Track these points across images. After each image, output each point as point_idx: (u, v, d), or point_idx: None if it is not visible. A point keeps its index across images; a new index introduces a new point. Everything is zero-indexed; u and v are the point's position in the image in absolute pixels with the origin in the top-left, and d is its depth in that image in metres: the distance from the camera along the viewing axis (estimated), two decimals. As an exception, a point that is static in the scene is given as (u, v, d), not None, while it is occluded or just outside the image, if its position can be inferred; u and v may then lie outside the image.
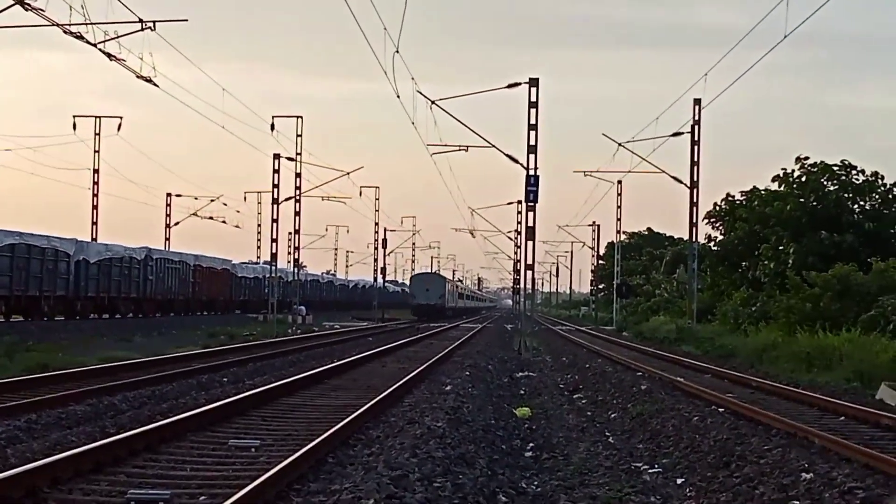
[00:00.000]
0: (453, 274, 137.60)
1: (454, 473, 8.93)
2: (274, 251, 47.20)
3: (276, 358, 24.87)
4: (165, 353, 24.28)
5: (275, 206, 46.85)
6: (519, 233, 67.90)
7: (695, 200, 38.11)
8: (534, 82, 32.08)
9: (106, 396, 14.64)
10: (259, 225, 75.08)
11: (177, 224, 65.10)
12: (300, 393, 16.04)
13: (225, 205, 68.19)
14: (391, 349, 29.62)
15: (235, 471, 9.08)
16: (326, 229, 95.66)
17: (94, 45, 24.67)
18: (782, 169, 41.17)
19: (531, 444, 12.56)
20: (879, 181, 39.81)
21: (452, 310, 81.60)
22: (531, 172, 31.46)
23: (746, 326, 35.02)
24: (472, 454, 10.33)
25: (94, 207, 49.97)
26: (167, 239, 63.96)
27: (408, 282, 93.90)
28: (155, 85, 26.93)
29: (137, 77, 26.26)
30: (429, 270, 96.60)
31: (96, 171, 49.90)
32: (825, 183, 39.93)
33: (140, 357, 22.67)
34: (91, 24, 24.09)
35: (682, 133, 38.04)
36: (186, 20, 28.72)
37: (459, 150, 38.13)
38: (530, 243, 32.28)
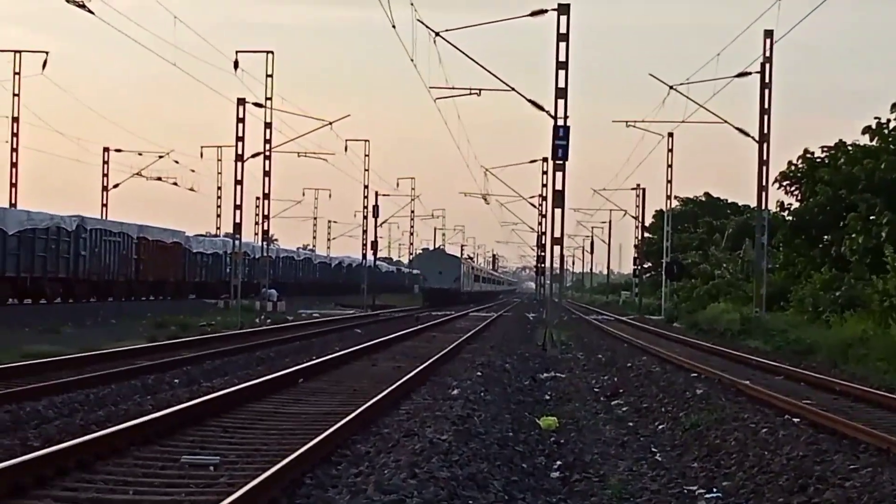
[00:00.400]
0: (462, 250, 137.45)
1: (462, 498, 8.95)
2: (238, 220, 47.26)
3: (241, 354, 24.91)
4: (102, 348, 24.32)
5: (239, 163, 46.87)
6: (544, 198, 67.92)
7: (765, 158, 38.05)
8: (564, 9, 31.96)
9: (28, 402, 14.66)
10: (219, 188, 75.21)
11: (116, 186, 65.21)
12: (270, 398, 16.05)
13: (176, 162, 68.01)
14: (384, 344, 29.67)
15: (190, 495, 9.10)
16: (304, 193, 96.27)
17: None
18: (875, 119, 41.13)
19: (558, 463, 12.58)
20: None
21: (468, 294, 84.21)
22: (560, 122, 31.38)
23: (828, 316, 35.02)
24: (485, 475, 10.35)
25: (13, 165, 50.04)
26: (104, 205, 64.10)
27: (406, 260, 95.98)
28: (89, 11, 26.90)
29: (67, 1, 26.23)
30: (438, 247, 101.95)
31: (15, 120, 49.94)
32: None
33: (71, 352, 22.69)
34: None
35: (750, 73, 37.94)
36: (127, -70, 28.66)
37: (470, 94, 38.14)
38: (558, 211, 32.26)
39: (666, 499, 10.60)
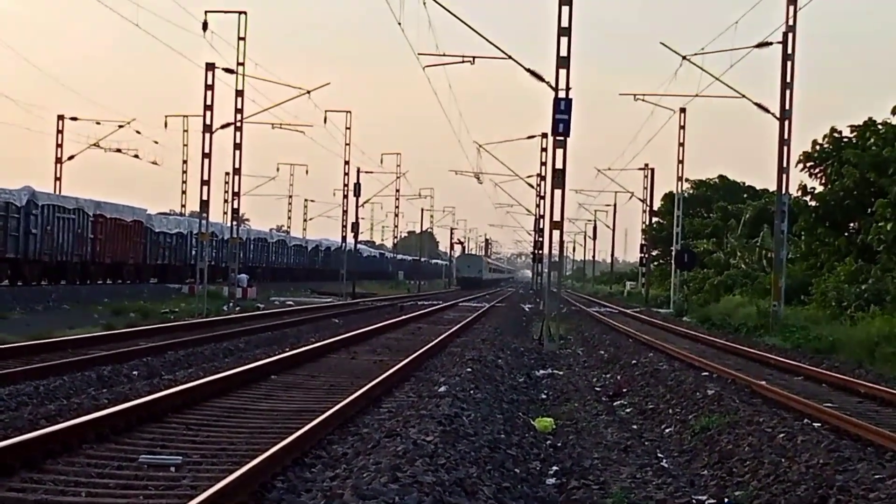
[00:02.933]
0: (451, 234, 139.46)
1: (449, 506, 8.95)
2: (205, 198, 47.10)
3: (206, 345, 24.92)
4: (54, 336, 24.30)
5: (207, 135, 46.73)
6: (542, 178, 67.90)
7: (786, 137, 38.05)
8: (567, -31, 31.88)
9: (-29, 393, 14.66)
10: (185, 161, 74.96)
11: (71, 158, 65.11)
12: (238, 393, 16.07)
13: (138, 133, 67.87)
14: (365, 335, 29.71)
15: (149, 498, 9.10)
16: (278, 169, 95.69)
17: None
18: (908, 95, 41.08)
19: (555, 468, 12.60)
20: None
21: (486, 281, 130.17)
22: (561, 94, 31.35)
23: (853, 311, 35.10)
24: (474, 480, 10.36)
25: (-43, 133, 49.82)
26: (58, 178, 63.98)
27: (390, 243, 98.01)
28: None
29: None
30: (471, 252, 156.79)
31: (-40, 84, 49.67)
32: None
33: (18, 340, 22.67)
34: None
35: (770, 44, 37.91)
36: None
37: (463, 62, 38.12)
38: (558, 192, 32.20)
39: (672, 509, 10.61)
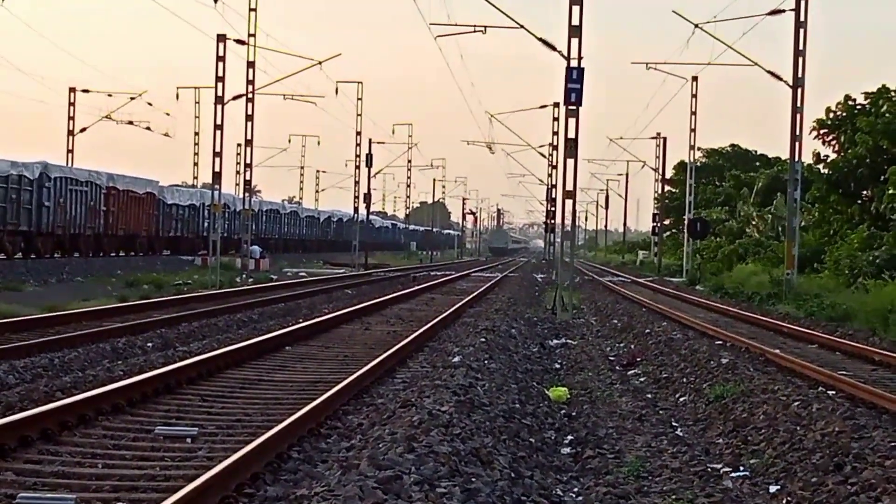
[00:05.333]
0: (464, 204, 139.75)
1: (465, 475, 8.96)
2: (217, 169, 47.09)
3: (220, 316, 24.95)
4: (68, 308, 24.35)
5: (219, 107, 46.68)
6: (555, 147, 67.86)
7: (799, 105, 37.89)
8: (579, -63, 31.71)
9: (-13, 366, 14.70)
10: (196, 133, 75.00)
11: (84, 130, 65.08)
12: (253, 364, 16.11)
13: (150, 105, 67.97)
14: (378, 306, 29.74)
15: (164, 469, 9.12)
16: (290, 140, 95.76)
17: None
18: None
19: (570, 438, 12.62)
20: None
21: (509, 250, 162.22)
22: (573, 64, 31.25)
23: (867, 279, 35.02)
24: (490, 449, 10.37)
25: (-31, 107, 49.79)
26: (70, 151, 63.95)
27: (402, 214, 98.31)
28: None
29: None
30: (501, 227, 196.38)
31: (-28, 57, 49.63)
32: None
33: (33, 313, 22.73)
34: None
35: (783, 11, 37.72)
36: None
37: (474, 31, 38.02)
38: (570, 162, 32.15)
39: (688, 477, 10.62)
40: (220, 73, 46.07)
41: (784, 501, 9.86)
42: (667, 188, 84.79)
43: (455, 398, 12.47)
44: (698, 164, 71.68)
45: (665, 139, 77.62)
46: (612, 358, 21.21)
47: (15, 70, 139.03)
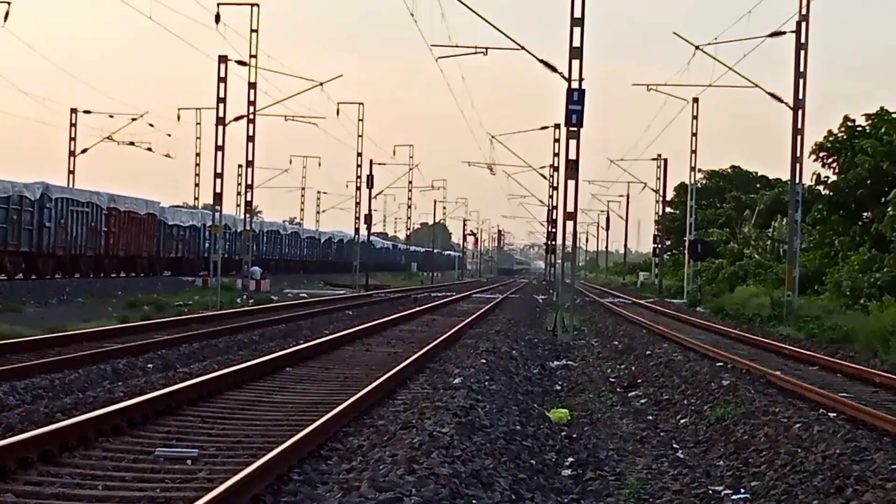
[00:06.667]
0: (464, 225, 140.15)
1: (465, 498, 8.95)
2: (218, 190, 47.16)
3: (221, 337, 24.94)
4: (68, 329, 24.33)
5: (220, 127, 46.78)
6: (556, 169, 67.88)
7: (799, 126, 37.95)
8: (579, -41, 31.81)
9: (-13, 387, 14.69)
10: (198, 154, 75.07)
11: (85, 151, 65.14)
12: (253, 385, 16.08)
13: (151, 125, 67.83)
14: (378, 327, 29.70)
15: (164, 491, 9.10)
16: (291, 161, 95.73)
17: None
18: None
19: (570, 459, 12.60)
20: None
21: (514, 270, 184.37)
22: (574, 85, 31.31)
23: (867, 301, 35.00)
24: (490, 471, 10.36)
25: (-29, 127, 49.87)
26: (71, 171, 64.03)
27: (403, 235, 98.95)
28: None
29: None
30: (506, 251, 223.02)
31: (-27, 78, 49.74)
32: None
33: (34, 334, 22.71)
34: None
35: (784, 33, 37.81)
36: None
37: (476, 53, 38.09)
38: (571, 183, 32.18)
39: (689, 500, 10.62)
40: (222, 94, 46.19)
41: (785, 524, 9.84)
42: (667, 210, 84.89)
43: (456, 420, 12.46)
44: (699, 185, 71.74)
45: (666, 160, 77.87)
46: (612, 379, 21.20)
47: (16, 91, 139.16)
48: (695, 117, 60.90)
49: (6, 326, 24.25)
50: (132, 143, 66.71)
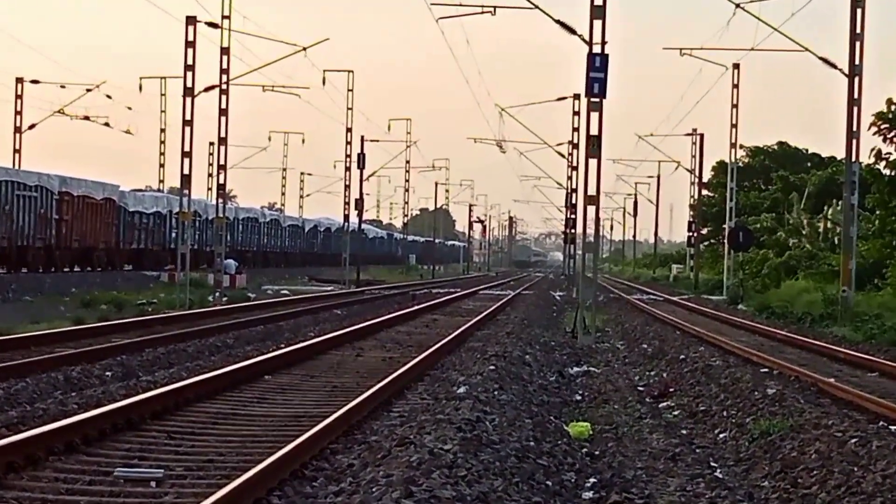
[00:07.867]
0: (470, 211, 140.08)
1: (471, 524, 8.97)
2: (186, 172, 47.18)
3: (190, 341, 24.97)
4: (15, 332, 24.37)
5: (188, 99, 46.76)
6: (575, 146, 67.80)
7: (856, 96, 37.92)
8: None
9: (-79, 398, 14.72)
10: (163, 130, 75.24)
11: (32, 127, 65.18)
12: (227, 396, 16.10)
13: (109, 97, 68.04)
14: (371, 328, 29.73)
15: (125, 517, 9.13)
16: (270, 138, 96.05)
17: None
18: None
19: (592, 480, 12.60)
20: None
21: (531, 262, 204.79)
22: (596, 49, 31.29)
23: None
24: (500, 494, 10.37)
25: None
26: (17, 150, 64.08)
27: (399, 223, 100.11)
28: None
29: None
30: (522, 243, 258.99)
31: None
32: None
33: (-26, 337, 22.73)
34: None
35: (839, -12, 37.74)
36: None
37: (482, 13, 38.08)
38: (593, 162, 32.17)
39: (728, 526, 10.62)
40: (190, 61, 46.12)
41: (839, 554, 9.85)
42: (704, 192, 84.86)
43: (460, 435, 12.47)
44: (740, 164, 71.79)
45: (702, 136, 77.80)
46: (641, 388, 21.19)
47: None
48: (735, 86, 60.86)
49: (-57, 329, 24.29)
50: (87, 118, 66.86)
